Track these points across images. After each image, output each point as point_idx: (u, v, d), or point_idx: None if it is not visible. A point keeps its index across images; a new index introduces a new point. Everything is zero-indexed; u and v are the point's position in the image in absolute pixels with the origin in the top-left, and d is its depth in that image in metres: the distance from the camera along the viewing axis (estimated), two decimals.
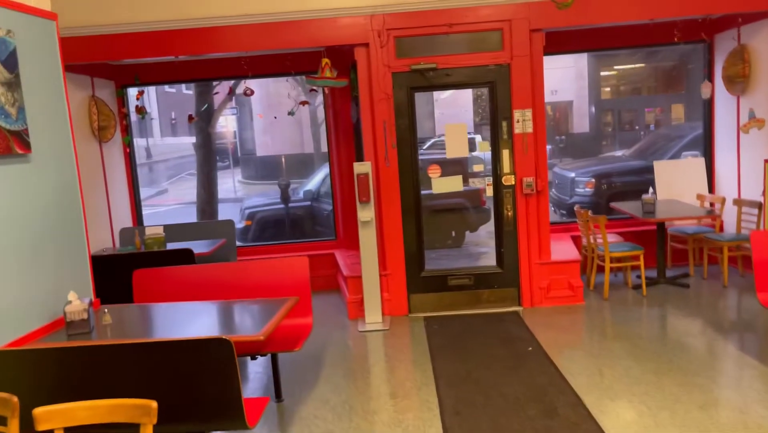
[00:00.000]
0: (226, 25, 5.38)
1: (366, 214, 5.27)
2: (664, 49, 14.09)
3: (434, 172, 5.66)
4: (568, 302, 5.64)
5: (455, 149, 5.60)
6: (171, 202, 16.98)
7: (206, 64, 6.38)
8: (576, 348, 4.61)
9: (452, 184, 5.67)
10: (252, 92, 6.42)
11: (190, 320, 3.45)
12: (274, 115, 15.83)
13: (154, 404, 2.20)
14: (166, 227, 5.97)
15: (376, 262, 5.37)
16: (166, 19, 5.38)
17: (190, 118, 6.97)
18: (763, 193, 5.40)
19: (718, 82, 6.43)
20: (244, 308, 3.56)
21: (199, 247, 5.53)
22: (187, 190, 15.77)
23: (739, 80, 5.99)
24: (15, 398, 2.30)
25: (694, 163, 6.79)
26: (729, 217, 6.25)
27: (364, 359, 4.75)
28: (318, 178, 9.14)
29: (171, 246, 5.56)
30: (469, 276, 5.73)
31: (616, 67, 18.22)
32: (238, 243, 7.22)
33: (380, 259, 5.54)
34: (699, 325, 4.92)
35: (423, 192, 5.68)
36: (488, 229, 8.34)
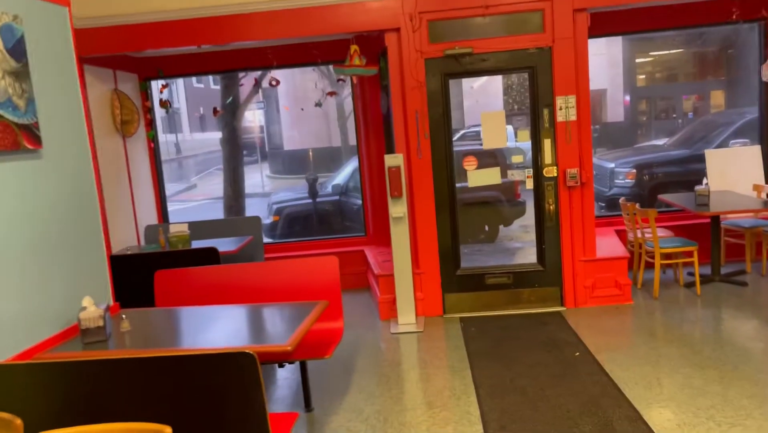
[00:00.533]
0: (249, 12, 5.11)
1: (398, 209, 4.97)
2: (704, 33, 13.47)
3: (470, 164, 5.33)
4: (615, 301, 5.27)
5: (493, 140, 5.25)
6: (200, 198, 16.96)
7: (230, 54, 6.14)
8: (628, 354, 4.25)
9: (490, 176, 5.33)
10: (278, 83, 6.15)
11: (212, 327, 3.20)
12: (301, 107, 15.62)
13: (168, 430, 1.94)
14: (192, 224, 5.77)
15: (408, 260, 5.07)
16: (187, 6, 5.14)
17: (215, 111, 6.75)
18: None
19: None
20: (270, 312, 3.30)
21: (225, 245, 5.30)
22: (216, 185, 15.72)
23: None
24: (18, 420, 2.08)
25: (750, 151, 6.32)
26: None
27: (397, 364, 4.46)
28: (346, 172, 8.87)
29: (196, 244, 5.34)
30: (507, 274, 5.39)
31: (651, 54, 17.57)
32: (265, 240, 7.00)
33: (413, 256, 5.24)
34: (762, 328, 4.51)
35: (457, 185, 5.36)
36: (522, 223, 8.00)
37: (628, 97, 18.24)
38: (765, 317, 4.72)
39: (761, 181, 6.13)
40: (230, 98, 7.57)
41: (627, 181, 8.75)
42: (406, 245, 5.05)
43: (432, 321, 5.25)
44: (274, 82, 6.13)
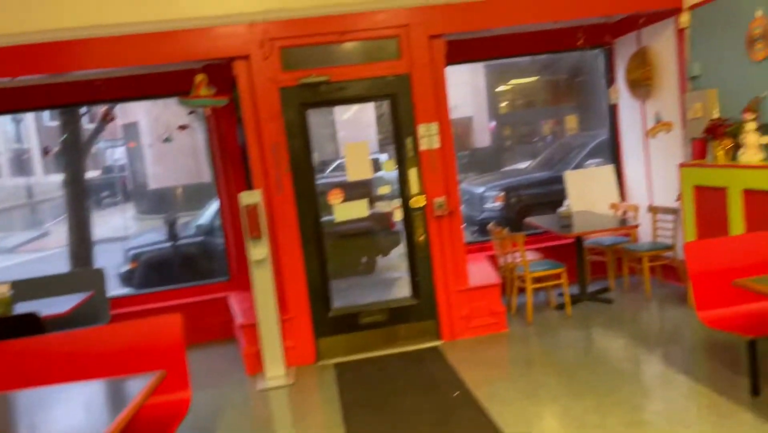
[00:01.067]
0: (86, 38, 4.50)
1: (259, 251, 4.53)
2: (556, 64, 14.37)
3: (336, 197, 5.02)
4: (491, 330, 5.15)
5: (357, 171, 4.99)
6: (54, 246, 15.36)
7: (63, 87, 5.43)
8: (508, 388, 4.08)
9: (356, 209, 5.06)
10: (113, 118, 5.52)
11: (18, 420, 2.58)
12: (154, 142, 14.67)
13: None
14: (17, 283, 4.94)
15: (273, 305, 4.63)
16: (7, 33, 4.45)
17: (45, 151, 5.94)
18: (679, 198, 5.19)
19: (621, 88, 6.26)
20: (92, 393, 2.73)
21: (59, 305, 4.56)
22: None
23: (643, 84, 5.82)
24: None
25: (604, 171, 6.58)
26: (645, 224, 6.04)
27: (266, 425, 3.98)
28: (211, 211, 8.25)
29: (22, 307, 4.54)
30: (382, 311, 5.11)
31: (511, 82, 18.55)
32: (119, 292, 6.23)
33: (280, 301, 4.81)
34: (631, 346, 4.56)
35: (327, 218, 5.03)
36: (401, 251, 7.83)
37: (493, 123, 19.08)
38: (631, 333, 4.79)
39: (616, 199, 6.38)
40: (65, 136, 6.76)
41: (496, 205, 8.90)
42: (271, 289, 4.61)
43: (304, 371, 4.83)
44: (110, 117, 5.49)
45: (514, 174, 11.94)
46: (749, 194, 4.24)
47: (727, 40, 4.75)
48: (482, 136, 18.74)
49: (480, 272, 5.52)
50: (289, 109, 4.83)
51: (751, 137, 4.35)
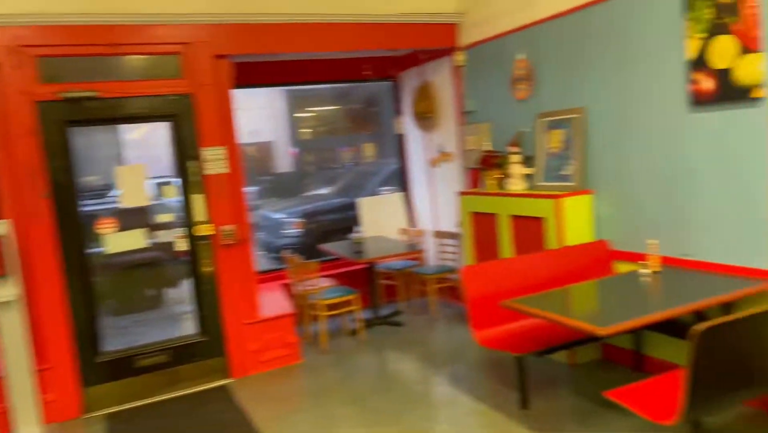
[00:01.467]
0: None
1: (5, 292, 3.83)
2: (352, 93, 14.89)
3: (106, 226, 4.48)
4: (285, 362, 4.96)
5: (132, 197, 4.51)
6: None
7: None
8: (300, 421, 3.91)
9: (132, 240, 4.56)
10: None
11: None
12: None
13: None
14: None
15: (25, 354, 3.94)
16: None
17: None
18: (459, 225, 5.54)
19: (408, 119, 6.58)
20: None
21: None
22: None
23: (427, 116, 6.17)
24: None
25: (394, 198, 6.84)
26: (431, 248, 6.36)
27: None
28: None
29: None
30: (164, 351, 4.65)
31: (311, 109, 18.82)
32: None
33: (35, 348, 4.12)
34: (420, 368, 4.69)
35: (99, 250, 4.47)
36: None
37: (296, 149, 19.13)
38: (420, 354, 4.94)
39: (406, 224, 6.65)
40: None
41: (295, 231, 8.80)
42: (21, 336, 3.92)
43: (68, 427, 4.18)
44: None
45: (314, 199, 12.02)
46: (515, 220, 4.65)
47: (496, 79, 5.21)
48: (284, 161, 18.68)
49: (274, 302, 5.32)
50: (51, 127, 4.22)
51: (515, 168, 4.79)
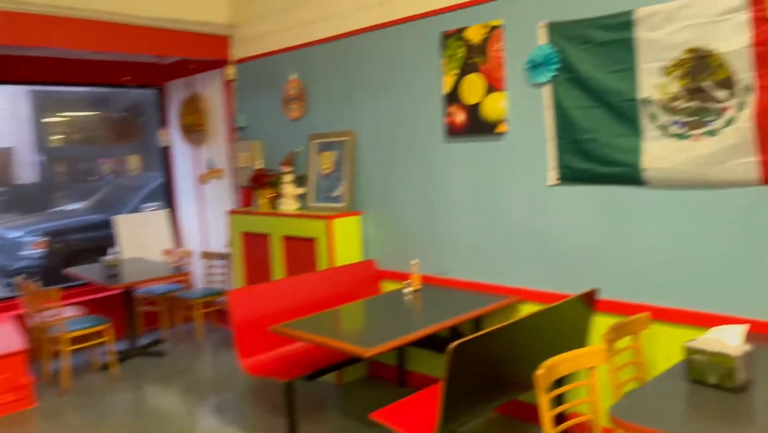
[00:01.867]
0: None
1: None
2: (114, 99, 13.62)
3: None
4: (13, 408, 4.19)
5: None
6: None
7: None
8: None
9: None
10: None
11: None
12: None
13: None
14: None
15: None
16: None
17: None
18: (229, 245, 5.28)
19: (175, 131, 6.14)
20: None
21: None
22: None
23: (195, 129, 5.82)
24: None
25: (157, 216, 6.30)
26: (198, 270, 5.97)
27: None
28: None
29: None
30: None
31: (65, 114, 16.79)
32: None
33: None
34: (184, 401, 4.31)
35: None
36: None
37: (43, 158, 16.82)
38: (183, 386, 4.56)
39: (171, 245, 6.16)
40: None
41: (36, 252, 7.64)
42: None
43: None
44: None
45: (64, 215, 10.65)
46: (288, 240, 4.57)
47: (268, 97, 5.11)
48: (27, 171, 16.27)
49: (3, 337, 4.48)
50: None
51: (288, 188, 4.72)
